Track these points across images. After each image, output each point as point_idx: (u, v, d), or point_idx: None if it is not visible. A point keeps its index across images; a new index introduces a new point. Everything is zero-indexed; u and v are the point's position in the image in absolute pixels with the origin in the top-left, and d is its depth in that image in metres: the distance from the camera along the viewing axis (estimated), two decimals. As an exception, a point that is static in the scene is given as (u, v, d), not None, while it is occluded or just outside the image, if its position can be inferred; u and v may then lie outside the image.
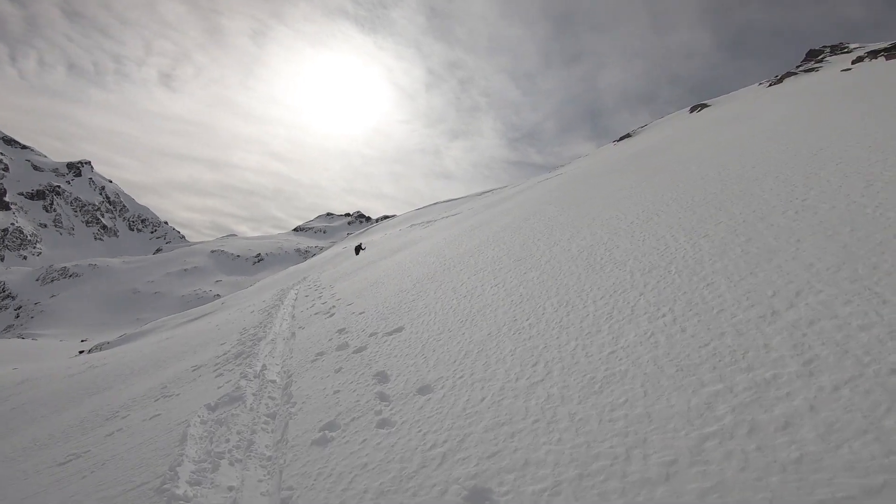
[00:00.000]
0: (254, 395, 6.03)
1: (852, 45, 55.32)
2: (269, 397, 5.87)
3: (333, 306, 10.85)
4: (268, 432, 4.86)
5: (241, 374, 7.08)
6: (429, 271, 10.49)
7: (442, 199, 71.50)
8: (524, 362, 4.28)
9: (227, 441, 4.68)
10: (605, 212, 9.33)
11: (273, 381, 6.43)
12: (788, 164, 7.61)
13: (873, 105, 10.73)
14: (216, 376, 8.01)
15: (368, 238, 47.82)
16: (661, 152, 16.30)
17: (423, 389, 4.49)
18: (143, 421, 6.94)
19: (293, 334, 9.44)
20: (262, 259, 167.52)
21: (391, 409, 4.32)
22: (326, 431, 4.28)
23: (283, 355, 7.90)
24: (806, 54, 68.72)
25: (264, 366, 7.20)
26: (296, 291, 17.13)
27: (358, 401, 4.77)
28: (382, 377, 5.17)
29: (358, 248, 28.88)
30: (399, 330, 6.75)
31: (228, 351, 9.72)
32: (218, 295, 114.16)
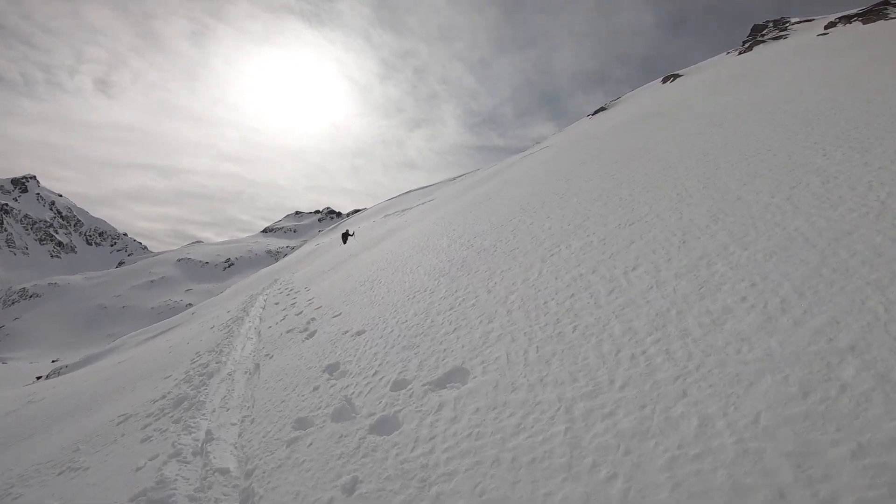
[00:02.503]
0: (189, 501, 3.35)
1: (793, 20, 58.63)
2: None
3: (312, 319, 8.09)
4: None
5: (173, 445, 4.37)
6: (452, 258, 7.74)
7: (413, 188, 69.06)
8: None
9: None
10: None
11: (225, 472, 3.72)
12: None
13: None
14: (142, 440, 5.28)
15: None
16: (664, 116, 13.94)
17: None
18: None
19: (257, 366, 6.64)
20: (232, 264, 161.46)
21: None
22: None
23: (242, 407, 5.14)
24: (751, 29, 70.18)
25: (209, 432, 4.46)
26: (264, 297, 14.22)
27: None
28: None
29: (345, 236, 25.15)
30: (458, 378, 3.70)
31: (169, 392, 6.94)
32: (190, 304, 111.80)
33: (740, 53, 32.32)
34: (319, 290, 10.86)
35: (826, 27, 25.54)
